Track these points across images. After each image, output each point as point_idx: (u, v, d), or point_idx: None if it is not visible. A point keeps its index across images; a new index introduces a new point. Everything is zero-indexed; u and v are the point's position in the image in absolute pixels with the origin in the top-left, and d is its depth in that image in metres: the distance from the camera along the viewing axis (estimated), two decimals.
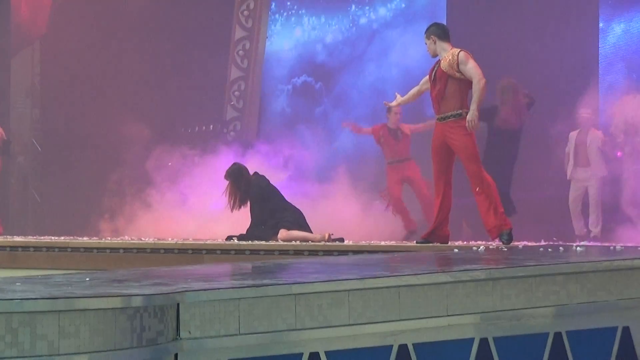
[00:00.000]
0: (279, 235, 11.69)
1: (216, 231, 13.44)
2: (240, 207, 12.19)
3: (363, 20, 16.74)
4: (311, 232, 11.69)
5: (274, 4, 17.75)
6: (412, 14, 16.06)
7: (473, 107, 9.83)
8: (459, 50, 9.99)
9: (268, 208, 11.95)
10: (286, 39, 17.55)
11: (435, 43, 10.18)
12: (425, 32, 10.34)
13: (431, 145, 10.35)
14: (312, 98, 17.14)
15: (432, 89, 10.23)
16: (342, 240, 11.46)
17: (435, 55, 10.29)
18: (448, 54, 10.03)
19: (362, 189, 13.97)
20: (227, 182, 12.35)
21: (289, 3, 17.66)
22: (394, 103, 11.15)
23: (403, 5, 16.26)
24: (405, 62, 15.91)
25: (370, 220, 13.43)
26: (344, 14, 16.95)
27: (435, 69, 10.18)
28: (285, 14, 17.68)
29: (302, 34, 17.43)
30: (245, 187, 12.15)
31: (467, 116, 9.81)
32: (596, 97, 13.44)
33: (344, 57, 16.77)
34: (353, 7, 16.85)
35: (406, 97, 10.91)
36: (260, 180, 12.18)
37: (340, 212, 13.29)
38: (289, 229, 11.71)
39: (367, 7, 16.70)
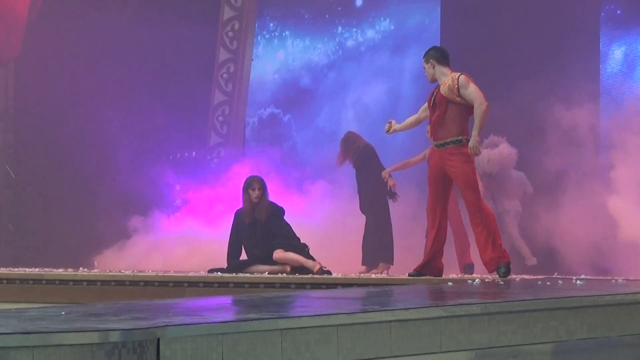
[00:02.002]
0: (275, 255, 11.78)
1: (201, 262, 13.51)
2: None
3: (350, 43, 16.79)
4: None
5: (256, 25, 17.82)
6: (401, 37, 16.13)
7: (475, 132, 9.85)
8: (459, 73, 10.00)
9: (274, 234, 12.00)
10: (269, 62, 17.60)
11: (434, 67, 10.19)
12: (424, 56, 10.35)
13: (427, 173, 10.36)
14: (283, 128, 17.26)
15: (431, 115, 10.23)
16: (329, 273, 11.50)
17: (433, 80, 10.31)
18: (448, 78, 10.04)
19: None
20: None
21: (271, 25, 17.72)
22: (389, 131, 10.98)
23: (392, 27, 16.31)
24: (395, 86, 16.00)
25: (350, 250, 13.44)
26: (330, 37, 17.00)
27: (435, 94, 10.18)
28: (267, 35, 17.74)
29: (285, 57, 17.48)
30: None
31: (470, 142, 9.83)
32: (597, 120, 13.51)
33: (329, 82, 16.82)
34: (339, 28, 16.91)
35: (403, 125, 10.84)
36: (276, 210, 12.20)
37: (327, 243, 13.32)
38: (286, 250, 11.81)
39: (354, 29, 16.76)
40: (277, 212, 12.12)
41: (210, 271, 11.90)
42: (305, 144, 16.66)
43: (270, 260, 11.87)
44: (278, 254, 11.80)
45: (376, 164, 13.20)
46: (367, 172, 13.15)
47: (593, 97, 13.48)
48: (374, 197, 13.07)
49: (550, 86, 13.09)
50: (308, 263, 11.63)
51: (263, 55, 17.71)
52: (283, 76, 17.44)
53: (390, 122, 10.84)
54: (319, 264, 11.59)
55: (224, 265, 12.11)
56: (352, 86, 16.56)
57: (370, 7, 16.59)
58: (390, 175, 12.98)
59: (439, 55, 10.21)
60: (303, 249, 11.93)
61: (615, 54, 14.01)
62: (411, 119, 10.83)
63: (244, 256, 12.22)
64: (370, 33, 16.59)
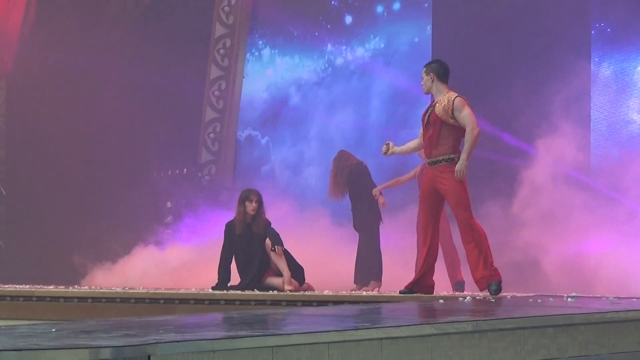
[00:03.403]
0: (273, 255, 11.79)
1: (192, 277, 13.50)
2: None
3: (340, 61, 16.82)
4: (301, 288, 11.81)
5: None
6: (391, 55, 16.16)
7: (463, 156, 9.84)
8: (455, 95, 9.96)
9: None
10: (258, 80, 17.63)
11: (432, 81, 10.13)
12: (425, 66, 10.28)
13: (419, 191, 10.34)
14: (263, 150, 17.32)
15: (424, 133, 10.20)
16: (312, 289, 11.63)
17: (428, 92, 10.29)
18: (444, 97, 10.00)
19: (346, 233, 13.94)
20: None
21: (260, 42, 17.75)
22: (387, 153, 10.88)
23: (382, 45, 16.34)
24: (384, 105, 16.02)
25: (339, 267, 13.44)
26: (319, 54, 17.04)
27: (429, 112, 10.14)
28: (256, 53, 17.77)
29: (274, 75, 17.50)
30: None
31: (457, 165, 9.82)
32: (587, 138, 13.53)
33: (318, 100, 16.85)
34: (329, 46, 16.94)
35: (403, 148, 10.73)
36: (269, 222, 12.23)
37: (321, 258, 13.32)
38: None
39: (343, 47, 16.78)
40: (270, 224, 12.15)
41: (228, 288, 11.90)
42: (298, 158, 16.66)
43: (264, 270, 11.92)
44: (279, 253, 11.85)
45: (368, 182, 13.21)
46: (360, 190, 13.16)
47: (584, 117, 13.52)
48: (367, 215, 13.07)
49: (540, 103, 13.11)
50: (286, 276, 11.74)
51: (252, 73, 17.73)
52: (272, 94, 17.45)
53: (388, 144, 10.72)
54: (296, 287, 11.68)
55: (229, 282, 12.15)
56: (341, 104, 16.58)
57: (360, 25, 16.60)
58: (380, 193, 12.98)
59: (440, 71, 10.15)
60: (299, 271, 11.97)
61: (606, 72, 14.05)
62: (412, 143, 10.70)
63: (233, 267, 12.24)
64: (360, 51, 16.61)
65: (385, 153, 10.78)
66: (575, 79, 13.25)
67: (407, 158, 13.56)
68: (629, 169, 12.26)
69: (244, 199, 12.19)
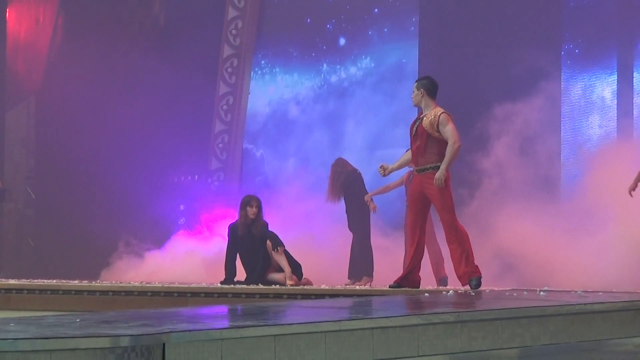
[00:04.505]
0: (277, 252, 11.81)
1: (202, 273, 13.49)
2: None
3: (334, 79, 16.83)
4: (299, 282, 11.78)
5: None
6: (381, 73, 16.17)
7: (443, 166, 9.82)
8: (441, 111, 9.94)
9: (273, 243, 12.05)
10: (261, 96, 17.65)
11: (422, 95, 10.11)
12: (416, 81, 10.28)
13: (408, 195, 10.32)
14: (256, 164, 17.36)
15: (412, 142, 10.19)
16: (310, 284, 11.62)
17: (417, 105, 10.27)
18: (431, 112, 9.98)
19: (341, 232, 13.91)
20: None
21: (263, 62, 17.78)
22: (386, 173, 10.85)
23: (373, 65, 16.36)
24: (375, 118, 16.03)
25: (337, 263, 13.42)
26: (316, 73, 17.05)
27: (417, 125, 10.12)
28: (259, 72, 17.80)
29: (275, 91, 17.52)
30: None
31: (437, 174, 9.81)
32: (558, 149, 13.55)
33: (315, 113, 16.86)
34: (325, 65, 16.96)
35: (398, 163, 10.67)
36: (266, 224, 12.22)
37: (318, 256, 13.31)
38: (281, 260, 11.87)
39: (338, 66, 16.81)
40: (267, 226, 12.16)
41: (234, 283, 11.87)
42: (298, 165, 16.64)
43: (266, 267, 11.91)
44: (280, 253, 11.85)
45: (362, 188, 13.24)
46: (354, 194, 13.18)
47: (555, 127, 13.53)
48: (360, 217, 13.09)
49: (516, 119, 13.11)
50: (288, 272, 11.72)
51: (256, 90, 17.74)
52: (274, 108, 17.47)
53: (382, 166, 10.66)
54: (296, 281, 11.66)
55: (235, 277, 12.12)
56: (336, 118, 16.59)
57: (352, 46, 16.62)
58: (371, 199, 12.99)
59: (430, 87, 10.13)
60: (297, 267, 11.96)
61: (575, 89, 14.07)
62: (405, 157, 10.63)
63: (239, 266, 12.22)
64: (352, 70, 16.62)
65: (384, 175, 10.75)
66: (547, 98, 13.28)
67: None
68: (595, 179, 12.21)
69: (245, 204, 12.19)
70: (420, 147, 10.01)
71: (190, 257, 15.28)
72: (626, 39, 13.90)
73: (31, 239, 18.94)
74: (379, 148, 15.74)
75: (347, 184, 13.23)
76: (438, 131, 9.89)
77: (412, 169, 12.03)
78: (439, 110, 9.97)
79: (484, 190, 13.01)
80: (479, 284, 9.77)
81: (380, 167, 10.64)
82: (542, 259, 11.99)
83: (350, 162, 13.55)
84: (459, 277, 9.92)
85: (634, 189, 10.37)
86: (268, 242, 11.95)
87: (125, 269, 15.76)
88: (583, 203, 11.99)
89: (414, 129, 10.14)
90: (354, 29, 16.63)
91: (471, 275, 9.79)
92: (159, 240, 16.40)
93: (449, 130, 9.85)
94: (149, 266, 15.52)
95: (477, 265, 9.88)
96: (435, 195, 9.89)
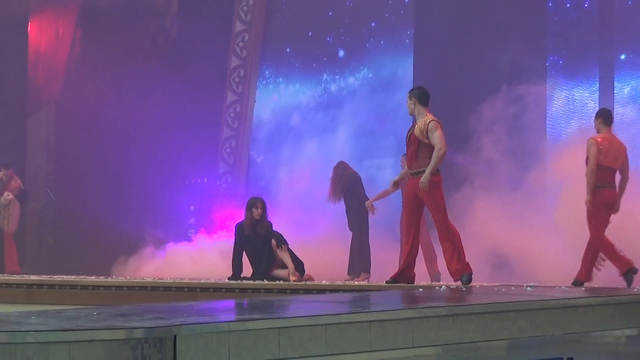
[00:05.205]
0: (281, 249, 11.81)
1: (211, 270, 13.48)
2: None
3: (334, 88, 16.85)
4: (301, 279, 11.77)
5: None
6: (377, 83, 16.18)
7: (427, 171, 9.82)
8: (431, 119, 9.94)
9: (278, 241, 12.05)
10: (265, 104, 17.66)
11: (415, 105, 10.14)
12: (409, 92, 10.32)
13: (403, 197, 10.33)
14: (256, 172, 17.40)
15: (407, 148, 10.26)
16: (312, 279, 11.63)
17: (412, 114, 10.31)
18: (422, 120, 10.00)
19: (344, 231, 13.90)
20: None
21: (267, 72, 17.80)
22: (395, 186, 10.94)
23: (370, 75, 16.38)
24: (372, 125, 16.03)
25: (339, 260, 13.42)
26: (317, 82, 17.06)
27: (410, 132, 10.17)
28: (264, 81, 17.81)
29: (279, 100, 17.53)
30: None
31: (422, 178, 9.82)
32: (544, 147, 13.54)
33: (317, 120, 16.87)
34: (325, 76, 16.98)
35: (403, 173, 10.77)
36: (270, 224, 12.22)
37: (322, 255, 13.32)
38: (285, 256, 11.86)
39: (337, 76, 16.83)
40: (272, 226, 12.16)
41: (241, 278, 11.86)
42: (299, 169, 16.64)
43: (271, 264, 11.91)
44: (284, 250, 11.85)
45: (361, 190, 13.28)
46: (354, 196, 13.20)
47: (541, 131, 13.55)
48: (359, 217, 13.09)
49: (503, 126, 13.12)
50: (291, 268, 11.71)
51: (261, 98, 17.75)
52: (277, 115, 17.48)
53: (392, 183, 10.76)
54: (298, 277, 11.66)
55: (241, 273, 12.12)
56: (335, 124, 16.60)
57: (351, 57, 16.63)
58: (372, 205, 13.03)
59: (421, 96, 10.16)
60: (299, 264, 11.95)
61: (559, 97, 14.08)
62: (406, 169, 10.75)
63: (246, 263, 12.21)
64: (351, 80, 16.64)
65: (394, 189, 10.99)
66: (534, 105, 13.29)
67: (395, 172, 13.65)
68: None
69: (250, 205, 12.19)
70: (413, 153, 10.04)
71: (200, 255, 15.29)
72: (607, 51, 13.91)
73: (51, 238, 18.95)
74: (375, 149, 15.79)
75: (347, 186, 13.25)
76: (427, 138, 9.91)
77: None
78: (429, 118, 9.99)
79: (472, 190, 13.04)
80: (469, 280, 9.78)
81: (392, 185, 10.83)
82: (528, 256, 11.99)
83: (350, 166, 13.58)
84: (451, 274, 9.92)
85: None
86: (273, 240, 11.95)
87: (139, 265, 15.77)
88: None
89: (408, 135, 10.19)
90: (352, 41, 16.65)
91: (462, 271, 9.79)
92: (171, 238, 16.41)
93: (436, 137, 9.86)
94: (161, 262, 15.54)
95: (468, 263, 9.88)
96: (428, 197, 9.90)
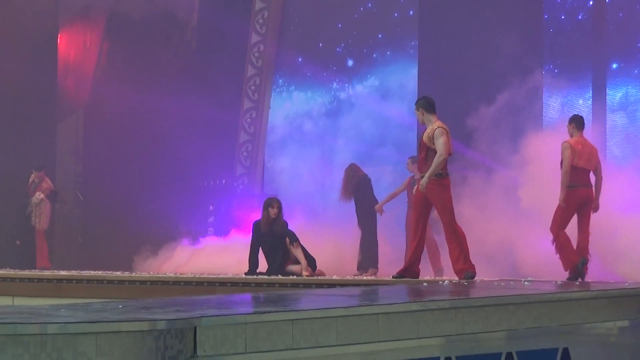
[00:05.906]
0: (294, 246, 11.81)
1: (229, 266, 13.50)
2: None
3: (343, 96, 16.87)
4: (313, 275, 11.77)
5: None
6: (384, 90, 16.19)
7: (427, 174, 9.79)
8: (437, 125, 9.88)
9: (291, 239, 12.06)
10: (278, 111, 17.68)
11: (422, 114, 10.09)
12: (415, 104, 10.30)
13: (414, 198, 10.34)
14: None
15: (418, 153, 10.30)
16: (323, 274, 11.62)
17: (423, 123, 10.29)
18: (430, 127, 9.99)
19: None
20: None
21: (280, 81, 17.82)
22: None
23: (377, 82, 16.38)
24: (380, 131, 16.02)
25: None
26: (327, 90, 17.08)
27: (420, 139, 10.22)
28: (277, 89, 17.84)
29: (291, 107, 17.55)
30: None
31: (421, 181, 9.83)
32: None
33: (327, 126, 16.87)
34: (334, 84, 17.00)
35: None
36: (286, 223, 12.22)
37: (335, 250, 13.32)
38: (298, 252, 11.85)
39: (346, 85, 16.85)
40: (287, 225, 12.17)
41: (257, 273, 11.86)
42: (312, 172, 16.64)
43: (285, 260, 11.90)
44: (297, 247, 11.86)
45: (370, 191, 13.31)
46: (363, 196, 13.21)
47: (537, 133, 13.53)
48: (368, 216, 13.11)
49: (504, 131, 13.09)
50: (304, 264, 11.72)
51: (275, 105, 17.77)
52: (290, 121, 17.50)
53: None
54: (310, 272, 11.66)
55: (257, 269, 12.12)
56: (345, 130, 16.60)
57: (359, 67, 16.64)
58: (382, 208, 13.07)
59: (426, 105, 10.11)
60: (312, 261, 11.95)
61: (554, 104, 14.04)
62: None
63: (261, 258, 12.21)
64: (359, 88, 16.64)
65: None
66: (530, 111, 13.26)
67: (402, 174, 13.66)
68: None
69: (267, 205, 12.19)
70: (422, 157, 10.05)
71: (219, 251, 15.30)
72: (600, 60, 13.88)
73: (79, 235, 19.00)
74: (382, 154, 15.78)
75: (357, 187, 13.26)
76: (433, 143, 9.89)
77: (412, 174, 12.18)
78: (436, 124, 9.96)
79: (472, 188, 13.00)
80: (472, 278, 9.75)
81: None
82: (525, 252, 11.95)
83: (361, 168, 13.61)
84: (456, 273, 9.89)
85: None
86: (287, 238, 11.96)
87: (162, 261, 15.80)
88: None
89: (419, 142, 10.24)
90: (360, 52, 16.66)
91: (467, 270, 9.77)
92: (192, 236, 16.44)
93: (439, 144, 9.83)
94: (183, 259, 15.55)
95: (472, 263, 9.85)
96: (437, 199, 9.88)
